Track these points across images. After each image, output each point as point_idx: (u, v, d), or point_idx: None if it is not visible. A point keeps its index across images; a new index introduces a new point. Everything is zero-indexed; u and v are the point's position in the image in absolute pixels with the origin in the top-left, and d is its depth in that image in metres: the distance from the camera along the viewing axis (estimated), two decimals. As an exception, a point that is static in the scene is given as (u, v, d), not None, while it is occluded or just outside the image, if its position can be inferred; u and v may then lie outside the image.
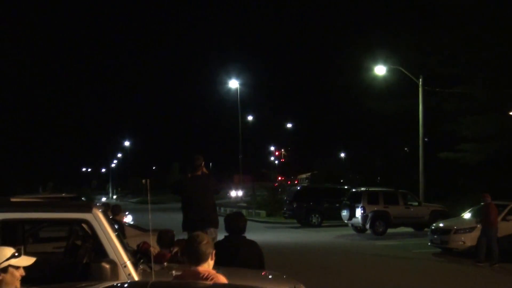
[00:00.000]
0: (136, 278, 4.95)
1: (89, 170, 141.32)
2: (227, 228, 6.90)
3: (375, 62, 33.04)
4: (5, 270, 4.01)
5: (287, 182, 76.44)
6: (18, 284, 4.10)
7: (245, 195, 55.23)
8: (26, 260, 4.15)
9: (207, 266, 4.33)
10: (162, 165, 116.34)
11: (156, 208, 49.46)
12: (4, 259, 4.02)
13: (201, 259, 4.31)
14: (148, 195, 5.28)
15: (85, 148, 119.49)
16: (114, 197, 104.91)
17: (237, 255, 6.51)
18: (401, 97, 38.27)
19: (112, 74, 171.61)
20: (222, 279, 4.20)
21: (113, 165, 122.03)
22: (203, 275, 4.20)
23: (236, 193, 53.01)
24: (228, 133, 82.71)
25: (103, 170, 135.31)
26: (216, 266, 6.46)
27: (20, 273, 4.12)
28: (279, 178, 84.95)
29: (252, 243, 6.93)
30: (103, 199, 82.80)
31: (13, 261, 4.06)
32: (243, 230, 6.87)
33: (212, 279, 4.17)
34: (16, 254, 4.13)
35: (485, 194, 16.63)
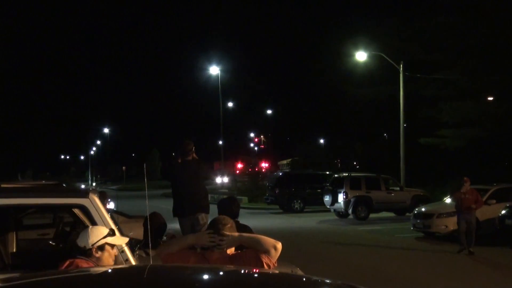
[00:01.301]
0: (133, 263, 4.94)
1: (68, 157, 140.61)
2: (221, 213, 6.91)
3: (356, 48, 33.11)
4: (102, 248, 4.15)
5: (266, 168, 76.47)
6: (112, 262, 4.25)
7: (230, 181, 55.30)
8: (121, 239, 4.32)
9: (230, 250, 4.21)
10: (141, 152, 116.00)
11: (137, 196, 49.33)
12: (101, 236, 4.17)
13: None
14: (146, 180, 5.23)
15: (63, 136, 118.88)
16: (94, 184, 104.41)
17: None
18: (382, 83, 38.52)
19: (90, 61, 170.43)
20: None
21: (92, 152, 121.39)
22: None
23: (221, 179, 53.01)
24: (208, 120, 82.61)
25: (82, 157, 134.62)
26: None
27: (114, 251, 4.28)
28: (263, 164, 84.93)
29: (247, 228, 6.95)
30: (82, 186, 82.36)
31: (109, 239, 4.21)
32: (236, 214, 6.89)
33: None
34: (111, 232, 4.28)
35: (466, 179, 15.97)
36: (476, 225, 17.58)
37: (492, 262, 14.33)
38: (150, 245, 4.90)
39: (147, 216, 6.23)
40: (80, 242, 4.13)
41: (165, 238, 7.24)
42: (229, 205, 6.93)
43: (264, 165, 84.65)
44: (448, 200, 20.02)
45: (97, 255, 4.10)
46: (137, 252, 5.70)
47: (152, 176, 55.37)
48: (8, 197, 5.15)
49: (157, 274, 3.32)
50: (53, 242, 8.21)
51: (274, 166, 79.28)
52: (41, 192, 5.45)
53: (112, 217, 9.84)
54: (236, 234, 4.19)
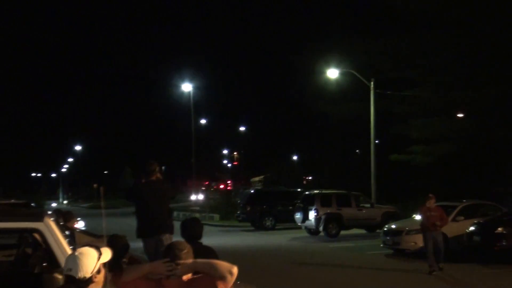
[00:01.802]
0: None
1: (39, 175, 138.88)
2: (183, 234, 6.83)
3: (328, 65, 33.27)
4: (99, 271, 3.94)
5: (239, 185, 76.41)
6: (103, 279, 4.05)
7: (203, 198, 55.01)
8: (107, 254, 4.06)
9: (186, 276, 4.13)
10: (114, 169, 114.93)
11: (108, 214, 48.73)
12: (97, 261, 3.92)
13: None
14: (102, 201, 5.16)
15: (34, 153, 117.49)
16: (65, 202, 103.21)
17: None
18: (353, 100, 38.73)
19: (61, 79, 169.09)
20: None
21: (63, 169, 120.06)
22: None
23: (196, 197, 52.72)
24: (181, 137, 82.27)
25: (53, 175, 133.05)
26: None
27: (104, 269, 4.06)
28: (228, 182, 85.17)
29: (209, 249, 6.87)
30: (54, 204, 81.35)
31: (102, 259, 3.99)
32: (199, 236, 6.81)
33: None
34: (99, 251, 4.03)
35: (431, 195, 15.67)
36: (444, 242, 17.69)
37: (460, 279, 14.38)
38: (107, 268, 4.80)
39: (109, 237, 6.13)
40: (77, 273, 3.83)
41: (125, 260, 7.12)
42: (192, 226, 6.86)
43: (229, 182, 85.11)
44: (417, 216, 20.10)
45: (96, 279, 3.91)
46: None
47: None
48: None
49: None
50: (13, 264, 8.04)
51: (243, 183, 78.97)
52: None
53: (73, 237, 9.70)
54: (190, 261, 4.12)
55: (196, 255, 5.81)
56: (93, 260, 3.90)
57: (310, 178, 61.35)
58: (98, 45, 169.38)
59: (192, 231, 6.81)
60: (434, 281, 14.02)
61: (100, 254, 3.98)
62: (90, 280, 3.85)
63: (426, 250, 15.24)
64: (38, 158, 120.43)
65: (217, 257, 6.75)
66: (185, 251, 4.17)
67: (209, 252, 6.77)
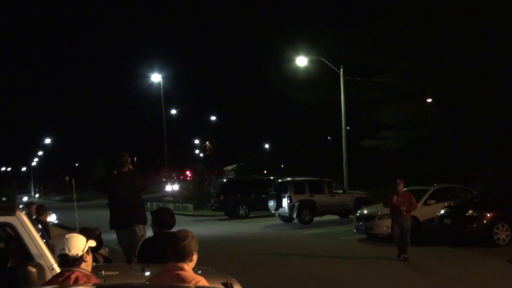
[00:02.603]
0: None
1: (9, 169, 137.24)
2: (157, 224, 6.82)
3: (297, 53, 33.34)
4: (88, 251, 4.41)
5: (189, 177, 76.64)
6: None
7: (177, 189, 54.82)
8: (93, 241, 4.55)
9: (190, 264, 4.34)
10: (85, 161, 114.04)
11: (81, 206, 48.45)
12: (85, 242, 4.39)
13: (184, 257, 4.29)
14: (74, 194, 5.15)
15: (3, 147, 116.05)
16: (37, 196, 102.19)
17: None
18: (323, 87, 38.90)
19: (30, 68, 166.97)
20: (203, 281, 4.19)
21: (34, 163, 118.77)
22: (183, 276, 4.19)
23: (171, 187, 52.55)
24: (152, 128, 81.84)
25: (24, 168, 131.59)
26: (146, 264, 6.39)
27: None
28: (187, 173, 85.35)
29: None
30: (25, 198, 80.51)
31: (89, 243, 4.45)
32: (173, 225, 6.82)
33: (194, 280, 4.15)
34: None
35: (399, 181, 15.05)
36: (417, 225, 17.89)
37: (431, 262, 14.55)
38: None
39: (80, 230, 6.10)
40: (70, 251, 4.26)
41: (100, 252, 7.12)
42: (164, 216, 6.89)
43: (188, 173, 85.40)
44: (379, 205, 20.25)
45: (86, 259, 4.35)
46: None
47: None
48: None
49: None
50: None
51: (216, 173, 78.93)
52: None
53: (47, 231, 9.62)
54: None
55: (169, 245, 5.87)
56: (82, 241, 4.36)
57: (282, 166, 61.47)
58: (67, 36, 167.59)
59: (166, 220, 6.82)
60: (404, 265, 14.17)
61: (87, 239, 4.45)
62: (81, 259, 4.30)
63: (392, 235, 15.05)
64: (7, 152, 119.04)
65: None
66: (188, 239, 4.32)
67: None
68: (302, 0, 50.26)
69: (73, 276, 4.19)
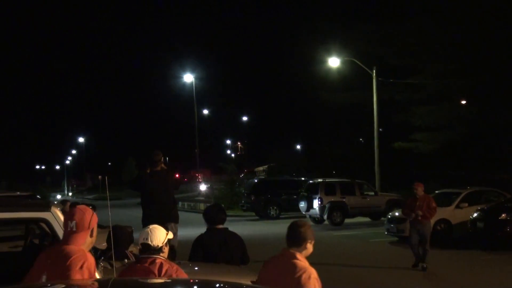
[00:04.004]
0: (97, 276, 4.90)
1: (43, 167, 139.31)
2: (208, 221, 6.92)
3: (330, 54, 33.24)
4: (166, 243, 4.77)
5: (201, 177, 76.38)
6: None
7: (207, 188, 55.02)
8: (171, 234, 4.93)
9: (303, 252, 4.82)
10: (117, 160, 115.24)
11: (113, 205, 48.90)
12: (165, 234, 4.78)
13: (299, 242, 4.80)
14: (107, 192, 5.22)
15: (38, 146, 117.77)
16: (70, 194, 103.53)
17: (224, 246, 6.58)
18: (355, 88, 38.69)
19: (65, 69, 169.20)
20: (314, 274, 4.63)
21: (67, 161, 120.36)
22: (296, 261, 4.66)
23: (205, 187, 52.76)
24: (184, 128, 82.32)
25: (58, 167, 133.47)
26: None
27: None
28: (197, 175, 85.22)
29: (236, 235, 7.01)
30: (59, 196, 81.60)
31: (168, 235, 4.83)
32: (224, 221, 6.96)
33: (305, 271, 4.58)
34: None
35: (417, 184, 14.09)
36: (448, 229, 17.74)
37: (463, 266, 14.42)
38: (113, 257, 4.87)
39: (112, 227, 6.19)
40: (152, 242, 4.65)
41: (131, 250, 7.20)
42: (217, 212, 7.03)
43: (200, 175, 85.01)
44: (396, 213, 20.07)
45: (164, 250, 4.71)
46: (102, 264, 5.66)
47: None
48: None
49: None
50: (22, 255, 8.11)
51: (245, 173, 78.78)
52: (2, 207, 5.38)
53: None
54: None
55: (226, 239, 6.08)
56: (163, 234, 4.75)
57: (313, 167, 61.32)
58: (102, 37, 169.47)
59: (218, 217, 6.96)
60: (435, 269, 14.05)
61: (167, 232, 4.83)
62: (160, 250, 4.67)
63: (409, 242, 14.05)
64: (42, 151, 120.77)
65: (243, 242, 6.86)
66: (305, 227, 4.88)
67: (236, 237, 6.92)
68: (336, 0, 50.14)
69: (158, 262, 4.59)
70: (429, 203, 13.68)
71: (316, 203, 26.41)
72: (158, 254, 4.65)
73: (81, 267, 4.09)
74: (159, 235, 4.71)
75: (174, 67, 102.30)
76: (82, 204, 12.41)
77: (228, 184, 45.82)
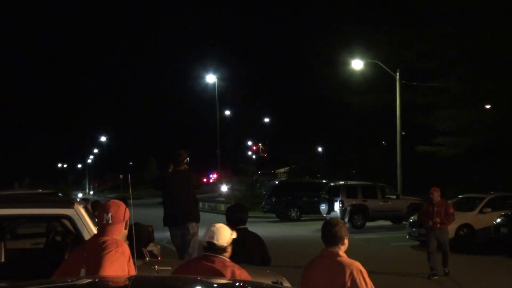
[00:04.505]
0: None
1: (65, 166, 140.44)
2: (229, 220, 6.91)
3: (353, 56, 33.16)
4: (230, 244, 4.77)
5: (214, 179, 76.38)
6: None
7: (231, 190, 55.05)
8: (235, 233, 4.89)
9: (342, 248, 5.05)
10: (139, 160, 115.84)
11: (134, 204, 48.97)
12: (231, 233, 4.78)
13: (335, 242, 4.98)
14: (130, 190, 5.25)
15: (61, 144, 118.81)
16: (91, 192, 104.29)
17: (244, 246, 6.58)
18: (378, 91, 38.53)
19: (87, 69, 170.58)
20: (360, 266, 4.91)
21: (89, 160, 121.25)
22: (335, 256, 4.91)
23: (226, 188, 52.84)
24: (205, 128, 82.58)
25: (79, 165, 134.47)
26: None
27: None
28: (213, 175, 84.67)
29: (256, 235, 6.99)
30: (80, 195, 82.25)
31: (233, 235, 4.82)
32: (245, 221, 6.93)
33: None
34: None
35: (434, 189, 13.56)
36: (471, 234, 17.58)
37: (487, 270, 14.28)
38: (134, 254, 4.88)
39: (131, 226, 6.22)
40: (218, 241, 4.64)
41: (152, 249, 7.24)
42: (238, 211, 7.01)
43: (212, 176, 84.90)
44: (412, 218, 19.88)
45: (228, 250, 4.73)
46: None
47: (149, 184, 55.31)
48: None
49: (141, 285, 3.31)
50: (43, 252, 8.18)
51: (264, 174, 78.65)
52: (26, 202, 5.43)
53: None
54: None
55: (245, 240, 6.09)
56: (228, 233, 4.76)
57: (334, 170, 61.12)
58: (124, 37, 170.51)
59: (239, 216, 6.94)
60: (458, 274, 13.92)
61: (232, 231, 4.83)
62: (225, 249, 4.69)
63: (427, 249, 13.42)
64: (64, 149, 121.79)
65: (263, 243, 6.84)
66: (340, 225, 5.05)
67: (256, 238, 6.89)
68: (359, 3, 49.96)
69: (222, 261, 4.63)
70: (447, 209, 13.25)
71: (337, 206, 26.33)
72: (222, 254, 4.68)
73: (117, 257, 4.21)
74: (225, 235, 4.73)
75: (197, 67, 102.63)
76: (95, 200, 12.52)
77: (248, 185, 45.88)
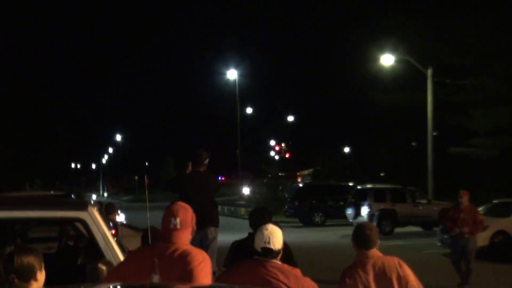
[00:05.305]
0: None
1: (78, 166, 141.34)
2: (252, 225, 6.88)
3: (382, 51, 32.96)
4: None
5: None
6: None
7: (252, 193, 54.95)
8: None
9: (375, 251, 5.36)
10: (155, 160, 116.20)
11: (150, 206, 49.25)
12: (282, 236, 4.79)
13: (372, 245, 5.33)
14: (146, 192, 5.29)
15: (74, 143, 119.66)
16: (105, 194, 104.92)
17: None
18: (408, 89, 38.25)
19: (101, 66, 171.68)
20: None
21: (103, 161, 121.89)
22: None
23: (248, 191, 52.77)
24: (225, 127, 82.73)
25: (93, 166, 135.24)
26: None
27: None
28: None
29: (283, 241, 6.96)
30: (94, 197, 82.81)
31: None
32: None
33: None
34: None
35: (463, 192, 13.00)
36: (508, 241, 17.39)
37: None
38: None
39: (145, 230, 6.25)
40: (275, 245, 4.62)
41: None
42: (261, 216, 6.96)
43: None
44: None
45: (281, 252, 4.73)
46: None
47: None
48: (1, 210, 5.17)
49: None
50: (56, 256, 8.27)
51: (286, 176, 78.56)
52: (37, 205, 5.48)
53: (116, 230, 9.91)
54: None
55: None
56: (281, 235, 4.77)
57: (362, 172, 60.90)
58: (141, 34, 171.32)
59: (262, 221, 6.89)
60: (492, 285, 13.81)
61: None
62: (279, 252, 4.68)
63: (452, 260, 13.16)
64: (78, 149, 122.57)
65: (288, 247, 6.80)
66: (374, 230, 5.43)
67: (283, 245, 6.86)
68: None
69: (282, 267, 4.62)
70: (475, 215, 12.72)
71: (364, 211, 26.26)
72: (277, 258, 4.66)
73: (204, 268, 4.20)
74: (279, 237, 4.71)
75: (217, 63, 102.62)
76: (109, 203, 12.59)
77: (270, 188, 45.83)
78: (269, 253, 4.61)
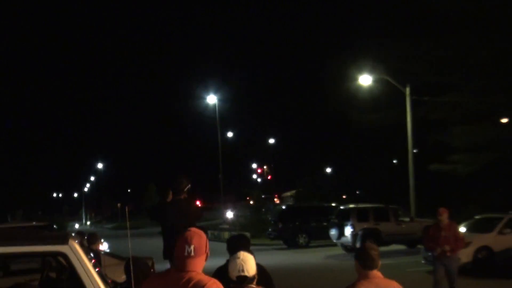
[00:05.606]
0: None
1: (60, 195, 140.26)
2: (230, 252, 6.88)
3: (360, 72, 33.16)
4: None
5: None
6: None
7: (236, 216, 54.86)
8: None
9: (378, 272, 5.34)
10: (137, 187, 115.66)
11: (133, 234, 49.11)
12: (254, 259, 4.86)
13: (375, 265, 5.29)
14: (127, 221, 5.26)
15: (55, 173, 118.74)
16: (88, 223, 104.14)
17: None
18: (387, 107, 38.50)
19: (82, 93, 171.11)
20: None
21: (85, 189, 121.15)
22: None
23: (232, 214, 52.65)
24: (207, 151, 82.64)
25: (75, 194, 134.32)
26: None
27: None
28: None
29: (258, 265, 6.94)
30: (76, 226, 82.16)
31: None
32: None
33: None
34: None
35: (442, 210, 12.79)
36: (490, 256, 17.46)
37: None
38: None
39: (128, 260, 6.21)
40: (251, 272, 4.73)
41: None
42: (239, 242, 6.95)
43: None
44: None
45: (256, 277, 4.81)
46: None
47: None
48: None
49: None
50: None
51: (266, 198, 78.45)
52: (17, 240, 5.43)
53: (98, 260, 9.84)
54: None
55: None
56: (253, 260, 4.84)
57: (344, 192, 60.99)
58: (120, 59, 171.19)
59: (240, 247, 6.88)
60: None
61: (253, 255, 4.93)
62: (254, 277, 4.76)
63: (433, 280, 12.84)
64: (59, 178, 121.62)
65: (267, 274, 6.78)
66: (378, 252, 5.34)
67: (258, 269, 6.83)
68: (366, 17, 50.18)
69: None
70: (456, 233, 12.62)
71: (348, 231, 26.27)
72: (253, 282, 4.73)
73: None
74: (252, 263, 4.78)
75: (197, 88, 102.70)
76: (92, 233, 12.51)
77: (253, 211, 45.78)
78: (244, 280, 4.69)
